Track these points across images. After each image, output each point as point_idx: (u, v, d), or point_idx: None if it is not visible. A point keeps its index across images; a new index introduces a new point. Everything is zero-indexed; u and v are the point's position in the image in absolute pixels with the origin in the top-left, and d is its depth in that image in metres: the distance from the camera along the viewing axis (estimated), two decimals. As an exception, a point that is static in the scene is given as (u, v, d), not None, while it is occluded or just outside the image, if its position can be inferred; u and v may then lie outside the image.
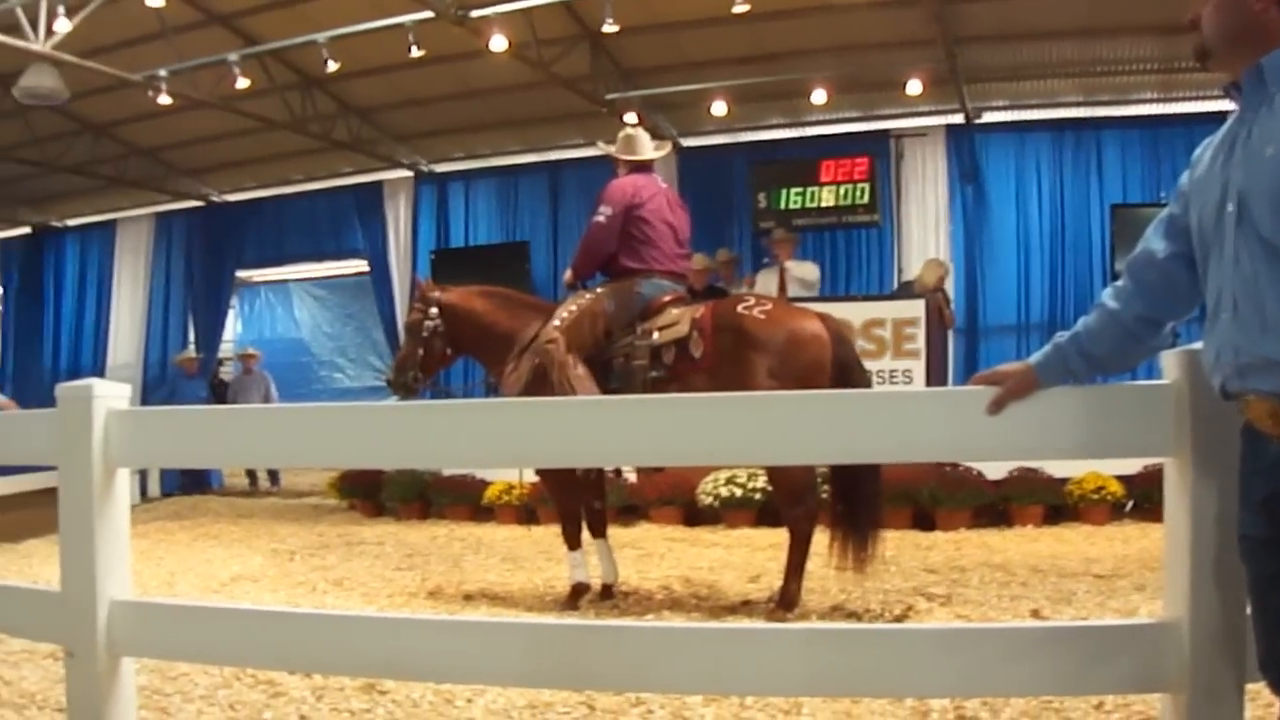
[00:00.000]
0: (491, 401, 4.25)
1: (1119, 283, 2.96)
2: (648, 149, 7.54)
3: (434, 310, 7.50)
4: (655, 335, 6.81)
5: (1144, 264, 2.90)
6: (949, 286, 13.18)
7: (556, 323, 6.90)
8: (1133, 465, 10.05)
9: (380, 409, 3.91)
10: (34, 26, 11.06)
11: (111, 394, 3.73)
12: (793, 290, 12.43)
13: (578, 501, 7.39)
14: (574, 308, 6.98)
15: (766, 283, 12.72)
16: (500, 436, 3.47)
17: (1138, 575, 7.38)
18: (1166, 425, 2.93)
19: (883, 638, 3.43)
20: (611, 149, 7.61)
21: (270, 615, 4.11)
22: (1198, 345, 2.78)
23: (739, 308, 6.78)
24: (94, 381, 3.74)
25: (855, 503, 6.51)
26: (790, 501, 6.65)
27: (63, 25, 11.07)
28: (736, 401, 3.48)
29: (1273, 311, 2.44)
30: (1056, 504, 10.41)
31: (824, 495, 7.03)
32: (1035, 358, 3.03)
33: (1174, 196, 2.86)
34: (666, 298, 7.03)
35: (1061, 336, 3.02)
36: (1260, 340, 2.47)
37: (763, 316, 6.63)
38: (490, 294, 7.61)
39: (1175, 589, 2.96)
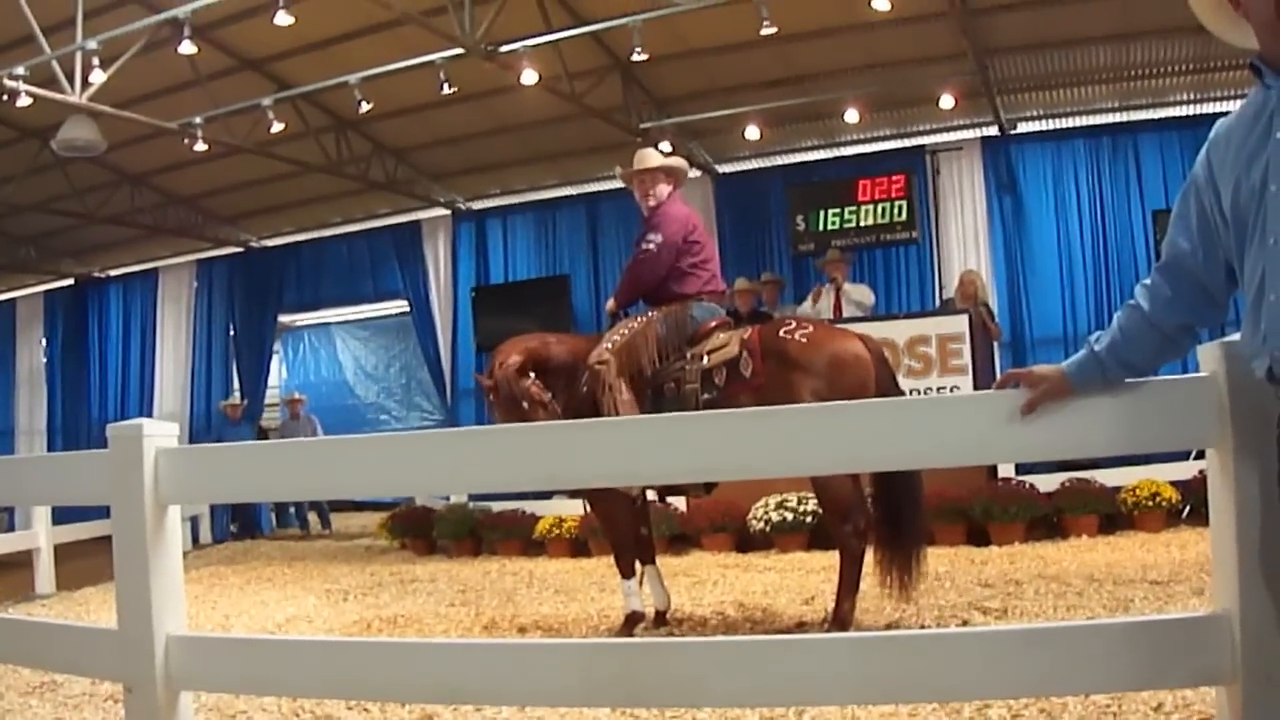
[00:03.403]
0: (529, 425, 4.26)
1: (1150, 283, 2.97)
2: (653, 158, 7.41)
3: (532, 374, 6.93)
4: (705, 359, 6.76)
5: (1177, 271, 2.91)
6: (990, 299, 13.13)
7: (608, 345, 6.79)
8: (1188, 470, 10.00)
9: (418, 436, 3.96)
10: (70, 79, 11.20)
11: (160, 433, 3.80)
12: (848, 312, 12.39)
13: (628, 529, 7.33)
14: (625, 331, 6.90)
15: (821, 303, 12.66)
16: (541, 458, 3.50)
17: (1195, 580, 7.30)
18: (1208, 417, 2.94)
19: (933, 642, 3.42)
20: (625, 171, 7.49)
21: (327, 645, 4.16)
22: (1234, 337, 2.78)
23: (781, 332, 6.75)
24: (143, 421, 3.80)
25: (899, 523, 6.47)
26: (839, 519, 6.59)
27: (98, 77, 11.17)
28: (772, 415, 3.49)
29: None
30: (1110, 513, 10.37)
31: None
32: (1070, 367, 3.05)
33: (1187, 190, 2.87)
34: (713, 323, 6.99)
35: (1098, 343, 3.02)
36: None
37: (805, 340, 6.61)
38: (547, 341, 7.24)
39: (1223, 580, 2.97)
